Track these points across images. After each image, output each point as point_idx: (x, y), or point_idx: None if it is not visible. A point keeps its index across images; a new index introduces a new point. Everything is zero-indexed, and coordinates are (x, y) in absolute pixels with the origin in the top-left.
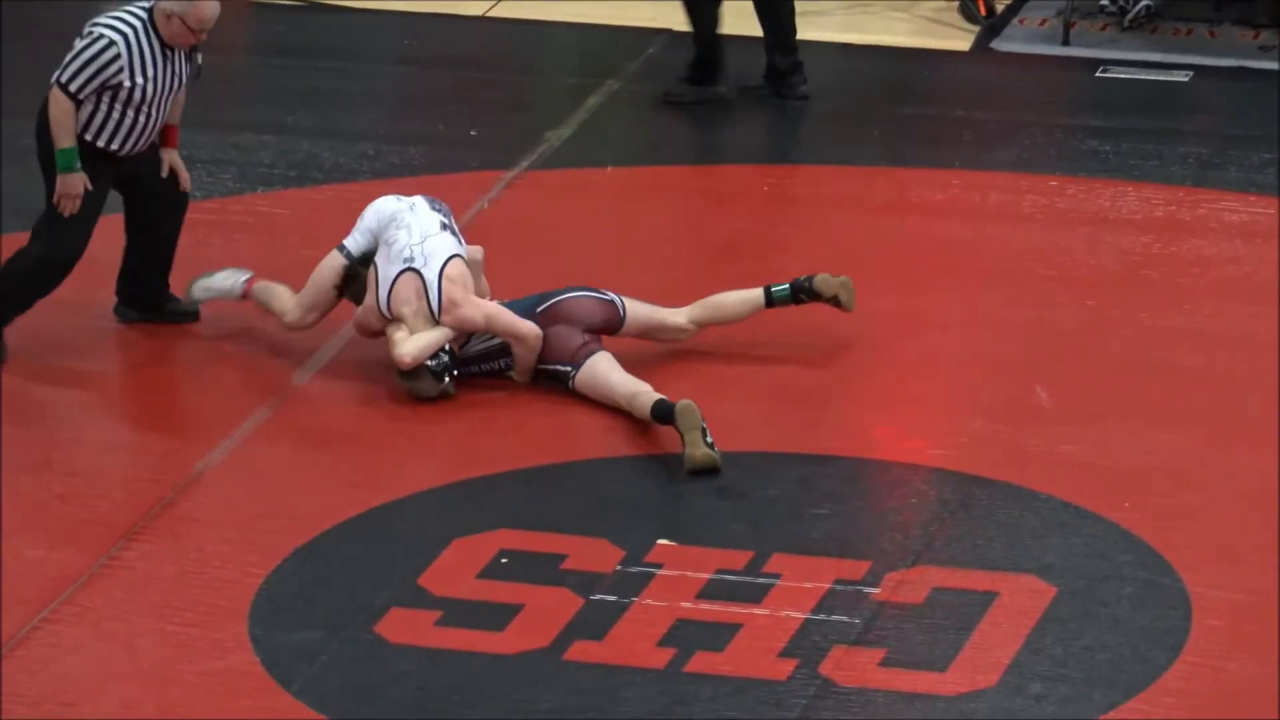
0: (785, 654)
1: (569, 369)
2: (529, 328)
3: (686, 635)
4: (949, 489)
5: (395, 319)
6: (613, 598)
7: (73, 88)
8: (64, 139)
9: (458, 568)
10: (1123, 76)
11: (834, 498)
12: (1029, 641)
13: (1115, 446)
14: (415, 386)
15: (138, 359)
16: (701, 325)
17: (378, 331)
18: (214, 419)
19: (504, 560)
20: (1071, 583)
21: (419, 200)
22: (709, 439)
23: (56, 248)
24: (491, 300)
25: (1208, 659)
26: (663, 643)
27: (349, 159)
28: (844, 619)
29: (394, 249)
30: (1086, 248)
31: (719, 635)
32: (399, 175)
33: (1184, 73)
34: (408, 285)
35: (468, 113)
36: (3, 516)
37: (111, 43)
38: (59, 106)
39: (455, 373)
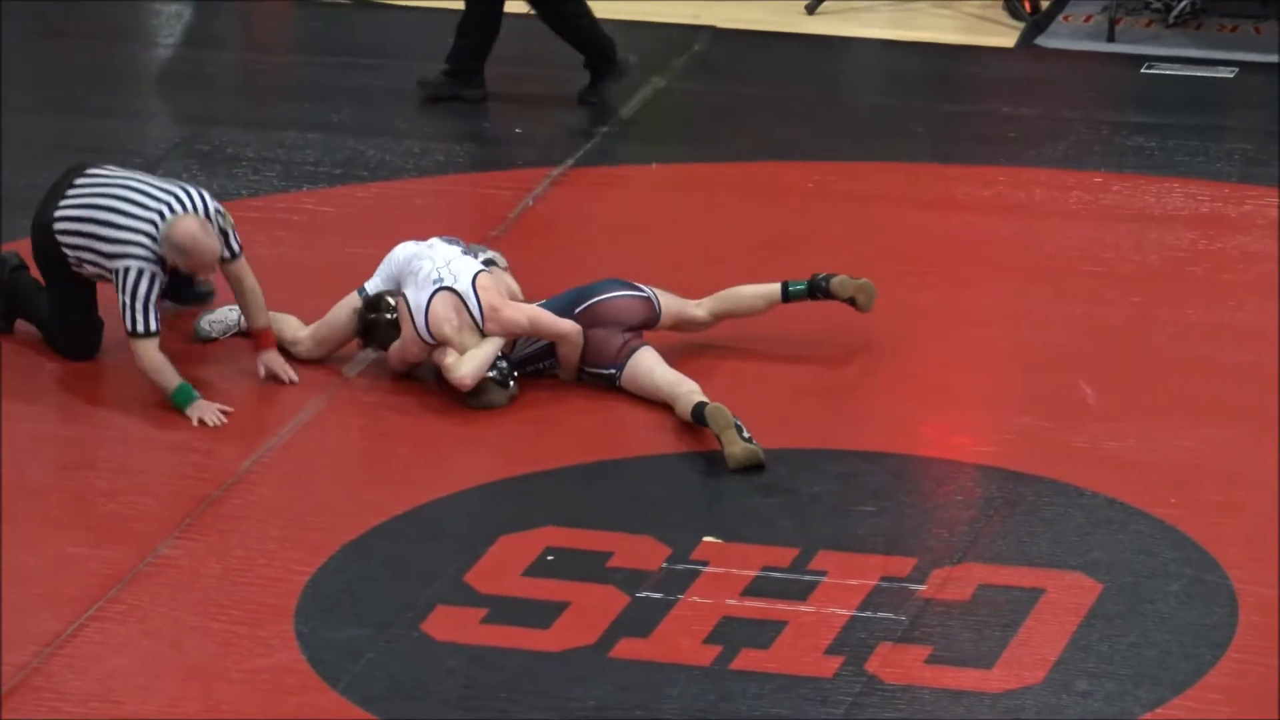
0: (831, 651)
1: (614, 370)
2: (571, 326)
3: (732, 632)
4: (994, 485)
5: (439, 343)
6: (658, 595)
7: (153, 327)
8: (169, 381)
9: (504, 565)
10: (1168, 73)
11: (880, 494)
12: (1075, 638)
13: (1161, 443)
14: (485, 402)
15: (183, 357)
16: (719, 317)
17: (417, 363)
18: (260, 416)
19: (550, 558)
20: (1117, 579)
21: (434, 239)
22: (745, 434)
23: (72, 351)
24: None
25: (1254, 656)
26: (709, 640)
27: (394, 157)
28: (890, 616)
29: (421, 275)
30: (1132, 244)
31: (765, 632)
32: (444, 172)
33: (1229, 69)
34: (445, 303)
35: (512, 110)
36: (46, 513)
37: (142, 271)
38: (148, 356)
39: (516, 374)
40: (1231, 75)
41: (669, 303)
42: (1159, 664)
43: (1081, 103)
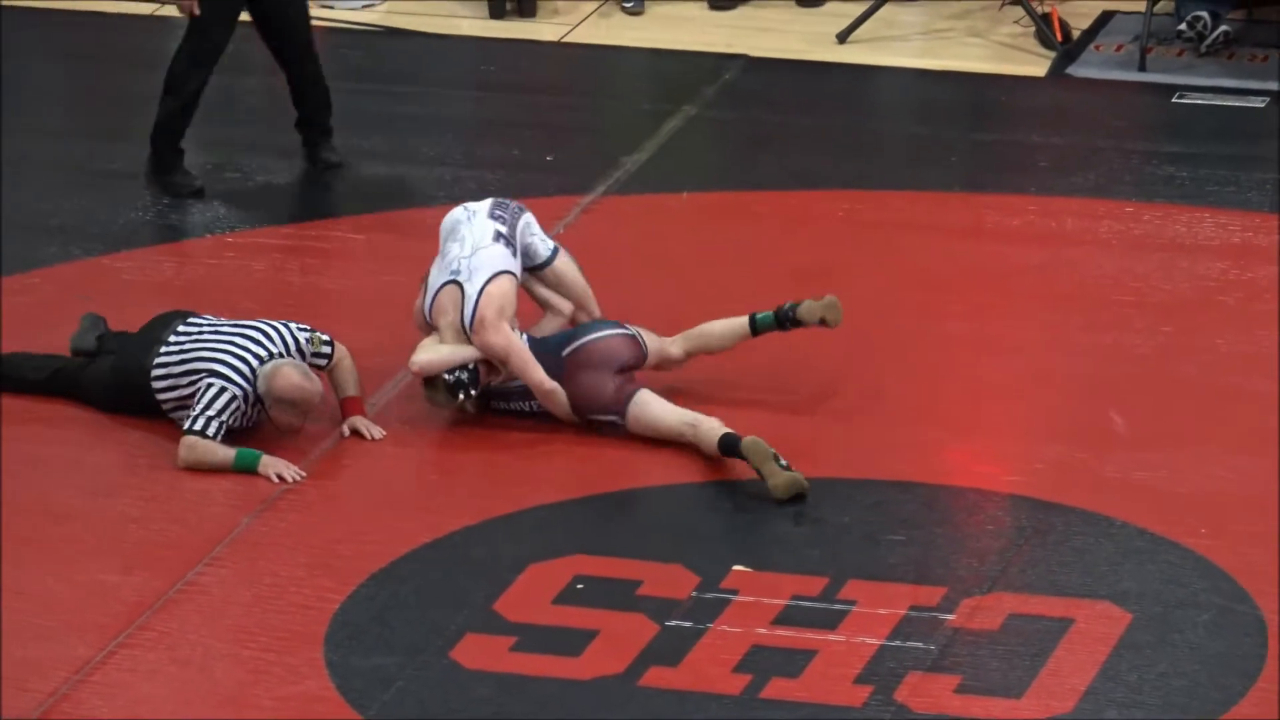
0: (860, 680)
1: (616, 418)
2: (540, 381)
3: (762, 661)
4: (1024, 515)
5: (434, 327)
6: (688, 624)
7: (211, 432)
8: (224, 457)
9: (533, 593)
10: (1199, 102)
11: (909, 523)
12: (1104, 668)
13: (1191, 472)
14: (430, 396)
15: None
16: (690, 355)
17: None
18: (289, 443)
19: (579, 586)
20: (1147, 609)
21: (482, 207)
22: (783, 462)
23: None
24: (521, 331)
25: None
26: (738, 669)
27: (425, 184)
28: (919, 645)
29: (445, 259)
30: (1162, 273)
31: (794, 661)
32: (475, 200)
33: (1260, 98)
34: (448, 296)
35: (544, 138)
36: (77, 540)
37: (233, 396)
38: (198, 448)
39: (473, 393)
40: (1263, 105)
41: (652, 341)
42: (1188, 694)
43: (1112, 132)
